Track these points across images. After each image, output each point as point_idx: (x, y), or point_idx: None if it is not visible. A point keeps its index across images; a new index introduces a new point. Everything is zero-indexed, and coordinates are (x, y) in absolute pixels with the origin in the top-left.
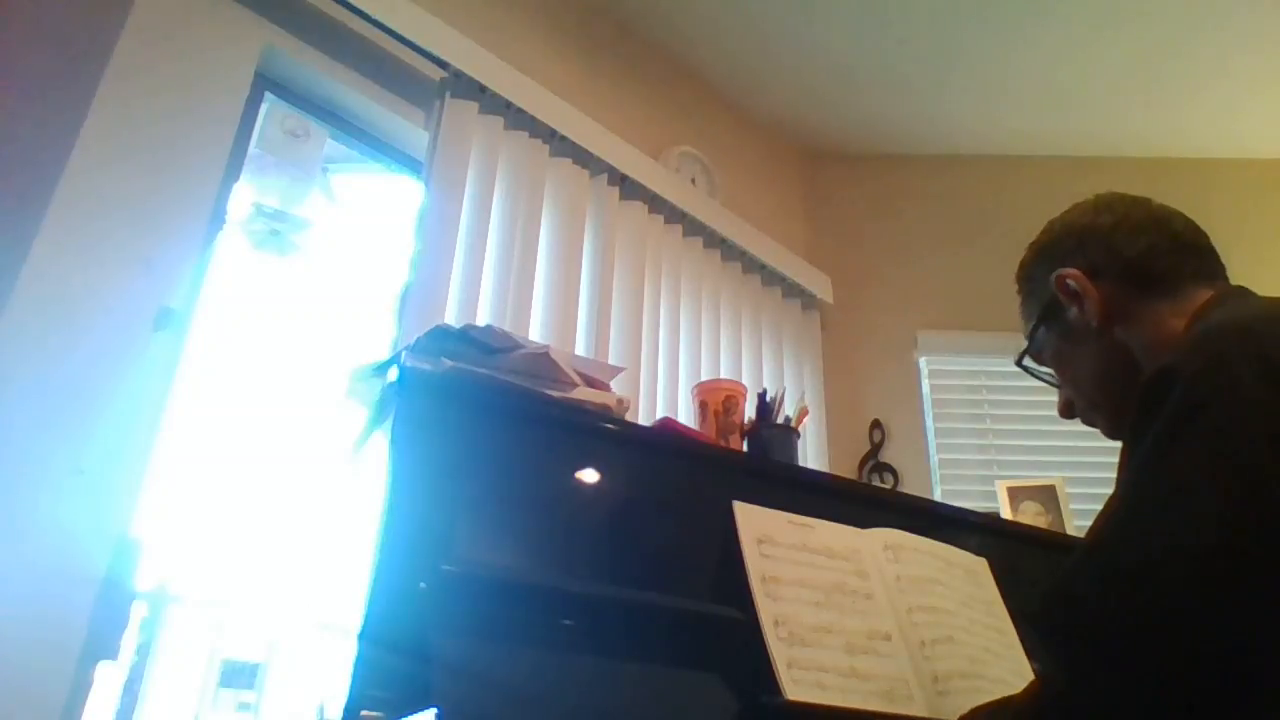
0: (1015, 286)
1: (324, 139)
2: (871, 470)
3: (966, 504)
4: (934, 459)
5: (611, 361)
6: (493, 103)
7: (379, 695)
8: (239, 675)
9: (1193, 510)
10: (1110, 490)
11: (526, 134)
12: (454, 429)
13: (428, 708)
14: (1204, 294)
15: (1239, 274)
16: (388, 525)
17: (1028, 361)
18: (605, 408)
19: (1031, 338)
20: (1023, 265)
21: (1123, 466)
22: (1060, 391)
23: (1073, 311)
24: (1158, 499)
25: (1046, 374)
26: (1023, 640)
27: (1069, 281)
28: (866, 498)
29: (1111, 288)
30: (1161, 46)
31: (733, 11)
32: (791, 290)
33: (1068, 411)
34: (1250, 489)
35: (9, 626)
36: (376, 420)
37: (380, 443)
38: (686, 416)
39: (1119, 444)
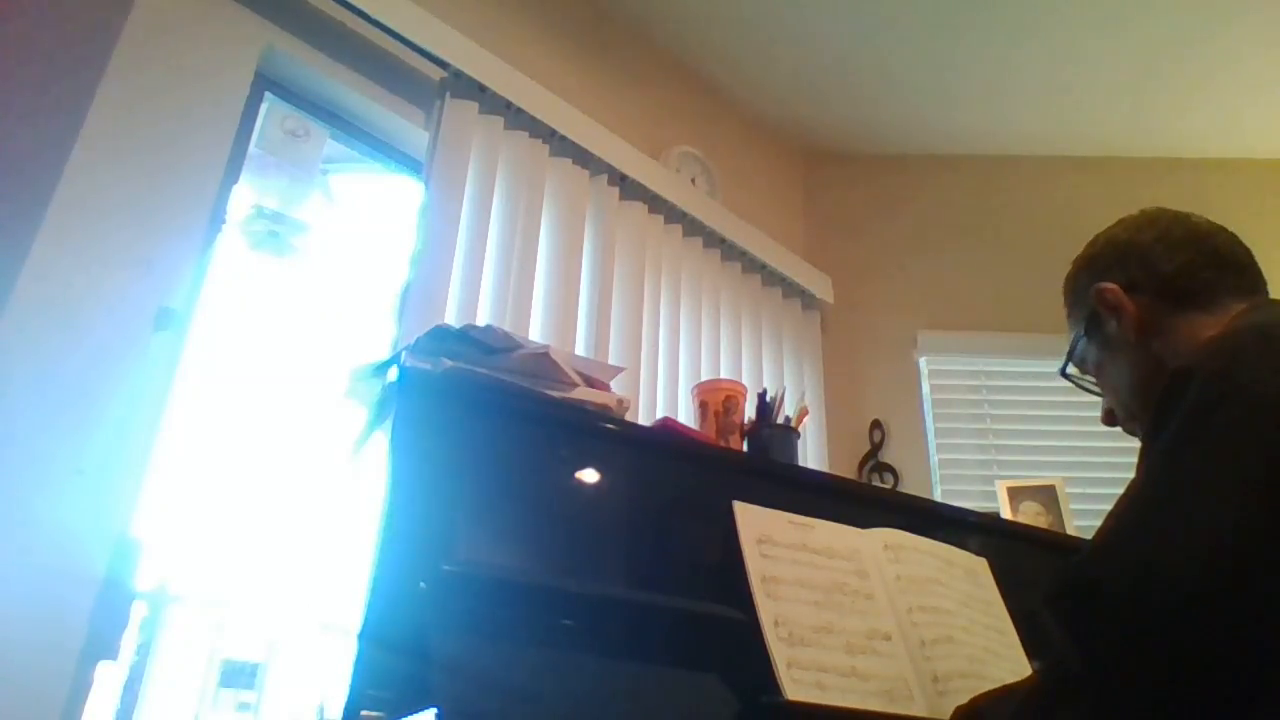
0: (1060, 298)
1: (324, 139)
2: (871, 470)
3: (966, 504)
4: (934, 459)
5: (611, 361)
6: (493, 103)
7: (379, 695)
8: (239, 675)
9: (1209, 503)
10: (1111, 490)
11: (526, 134)
12: (454, 429)
13: (428, 708)
14: (1239, 307)
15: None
16: (388, 525)
17: (1070, 370)
18: (605, 408)
19: (1073, 348)
20: (1068, 279)
21: (1142, 462)
22: (1103, 401)
23: (1111, 324)
24: (1176, 491)
25: (1089, 383)
26: (1023, 640)
27: (1107, 295)
28: (866, 498)
29: (1148, 302)
30: (1163, 46)
31: (733, 11)
32: (791, 290)
33: (1110, 419)
34: (1265, 483)
35: (9, 626)
36: (376, 420)
37: (380, 443)
38: (686, 416)
39: (1118, 445)
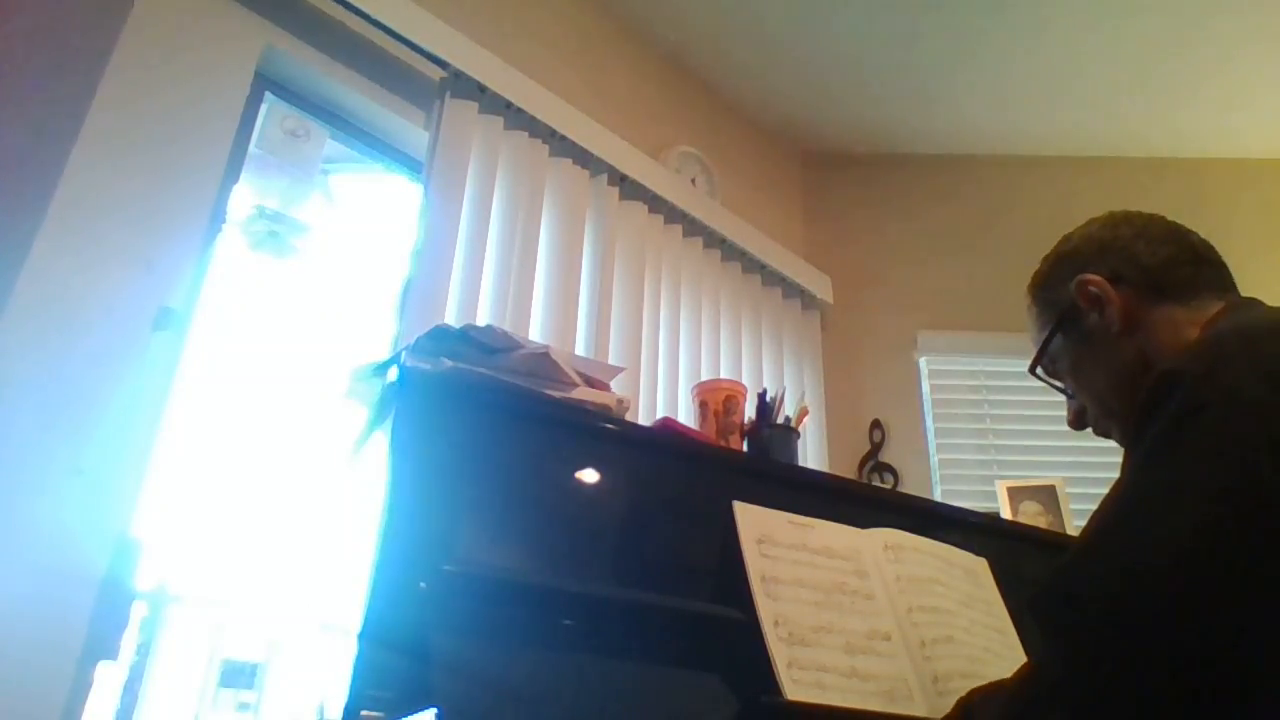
0: (1026, 298)
1: (324, 139)
2: (871, 470)
3: (966, 504)
4: (934, 459)
5: (611, 361)
6: (493, 103)
7: (379, 695)
8: (239, 675)
9: (1189, 509)
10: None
11: (526, 134)
12: (454, 429)
13: (428, 708)
14: (1217, 304)
15: (1236, 273)
16: (388, 525)
17: (1040, 370)
18: (605, 408)
19: (1045, 346)
20: (1038, 275)
21: (1126, 465)
22: (1071, 403)
23: (1092, 317)
24: (1156, 497)
25: (1058, 384)
26: (1023, 640)
27: (1091, 287)
28: (866, 498)
29: (1131, 294)
30: (1161, 46)
31: (733, 11)
32: (791, 290)
33: (1078, 423)
34: (1247, 490)
35: (9, 626)
36: (376, 420)
37: (380, 443)
38: (686, 416)
39: (1119, 445)
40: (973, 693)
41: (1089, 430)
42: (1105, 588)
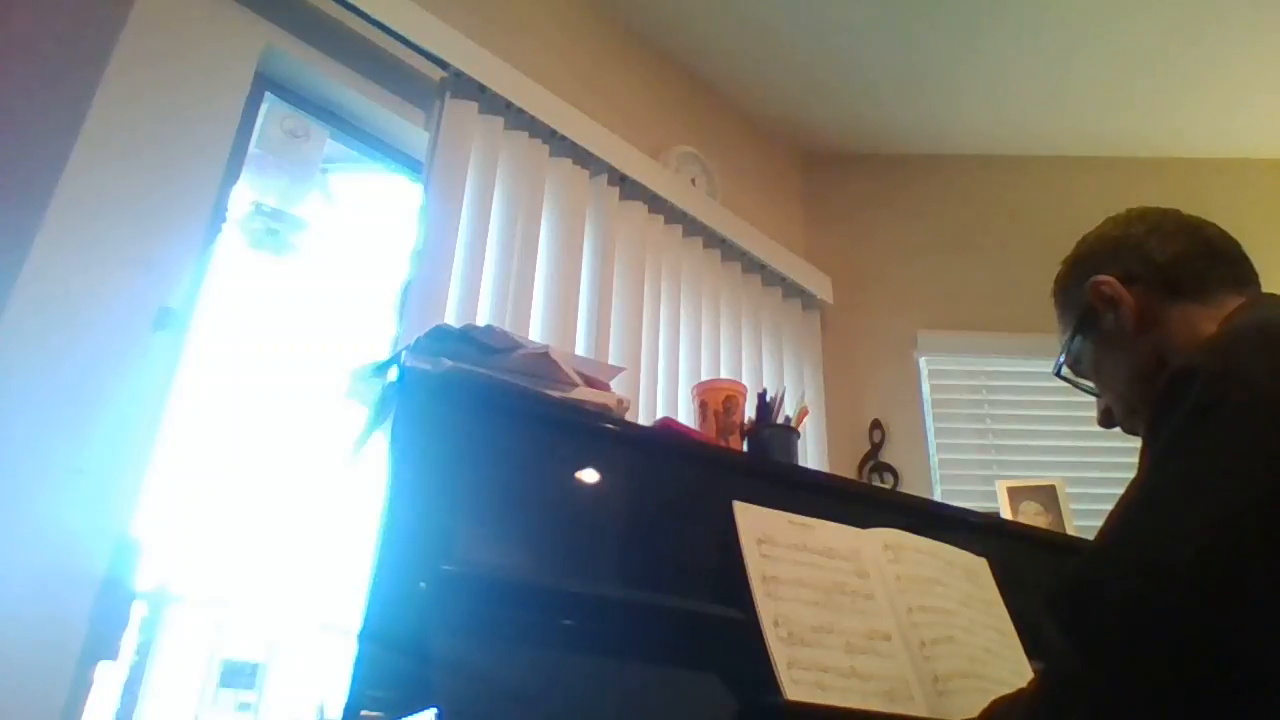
0: (1052, 300)
1: (324, 139)
2: (871, 470)
3: (966, 504)
4: (934, 459)
5: (611, 361)
6: (493, 103)
7: (379, 695)
8: (239, 675)
9: (1208, 502)
10: (1111, 490)
11: (526, 134)
12: (454, 429)
13: (428, 708)
14: (1235, 300)
15: None
16: (388, 525)
17: (1065, 372)
18: (605, 408)
19: (1068, 347)
20: (1058, 279)
21: (1143, 461)
22: (1099, 401)
23: (1108, 318)
24: (1174, 493)
25: (1086, 384)
26: (1023, 640)
27: (1103, 288)
28: (866, 498)
29: (1145, 293)
30: (1161, 46)
31: (733, 11)
32: (791, 290)
33: (1107, 420)
34: (1263, 486)
35: (9, 626)
36: (376, 420)
37: (380, 443)
38: (686, 416)
39: (1119, 445)
40: (995, 702)
41: (1089, 429)
42: (1123, 583)
